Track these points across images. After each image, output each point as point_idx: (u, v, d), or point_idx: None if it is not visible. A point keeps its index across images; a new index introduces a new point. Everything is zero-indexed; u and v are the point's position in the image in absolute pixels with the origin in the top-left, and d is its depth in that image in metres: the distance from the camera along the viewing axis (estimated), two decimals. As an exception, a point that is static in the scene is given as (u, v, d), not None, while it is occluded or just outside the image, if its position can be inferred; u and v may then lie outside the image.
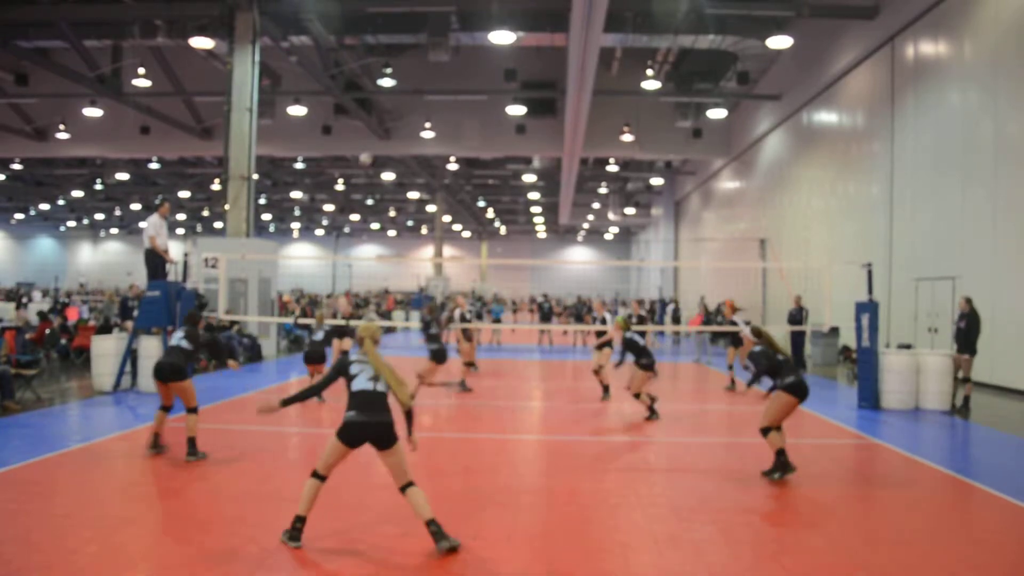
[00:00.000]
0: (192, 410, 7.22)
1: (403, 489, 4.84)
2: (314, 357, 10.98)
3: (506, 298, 44.00)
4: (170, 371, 7.18)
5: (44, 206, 52.12)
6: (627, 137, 26.25)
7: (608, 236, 61.16)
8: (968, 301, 11.04)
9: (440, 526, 4.78)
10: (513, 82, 23.16)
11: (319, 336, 11.04)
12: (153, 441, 7.32)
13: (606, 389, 11.65)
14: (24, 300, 26.04)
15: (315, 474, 4.90)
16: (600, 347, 11.64)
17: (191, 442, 7.08)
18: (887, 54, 16.94)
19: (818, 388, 13.76)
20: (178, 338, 7.43)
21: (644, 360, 9.69)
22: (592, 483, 6.65)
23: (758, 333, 7.20)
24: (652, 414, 9.80)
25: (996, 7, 13.28)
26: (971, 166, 13.91)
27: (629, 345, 9.81)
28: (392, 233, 62.74)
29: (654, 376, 9.88)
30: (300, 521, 4.87)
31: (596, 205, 47.99)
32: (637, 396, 9.81)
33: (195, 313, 7.85)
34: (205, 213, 50.85)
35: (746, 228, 28.52)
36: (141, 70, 21.20)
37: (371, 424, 4.77)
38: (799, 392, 6.68)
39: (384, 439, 4.78)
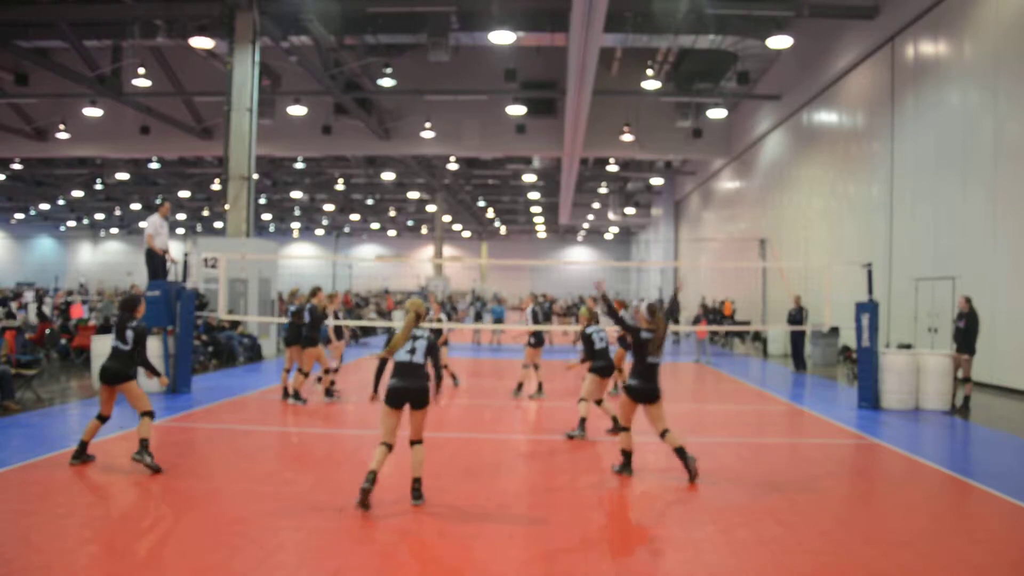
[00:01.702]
0: (146, 414, 6.71)
1: (413, 443, 5.78)
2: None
3: (506, 298, 43.98)
4: (111, 374, 6.71)
5: (44, 206, 52.12)
6: (627, 137, 26.25)
7: (608, 236, 61.17)
8: (968, 301, 11.04)
9: (416, 494, 5.73)
10: (513, 82, 23.14)
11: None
12: (78, 450, 6.81)
13: (519, 386, 11.72)
14: (17, 307, 25.74)
15: (383, 443, 5.71)
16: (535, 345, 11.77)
17: (143, 443, 6.60)
18: (887, 54, 16.94)
19: (818, 388, 13.78)
20: (114, 337, 6.83)
21: (597, 363, 8.44)
22: (592, 483, 6.65)
23: (653, 312, 6.74)
24: (580, 430, 8.46)
25: (996, 7, 13.28)
26: (971, 166, 13.91)
27: (585, 341, 8.52)
28: (392, 233, 62.74)
29: (606, 382, 8.58)
30: (372, 474, 5.60)
31: (596, 205, 47.98)
32: (581, 400, 8.55)
33: (131, 298, 7.06)
34: (205, 213, 50.85)
35: (746, 228, 28.52)
36: (141, 70, 21.19)
37: (409, 389, 5.69)
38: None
39: (419, 401, 5.73)
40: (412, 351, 5.81)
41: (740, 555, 4.86)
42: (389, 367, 5.87)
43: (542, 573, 4.54)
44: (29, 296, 29.90)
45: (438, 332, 12.62)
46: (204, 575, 4.41)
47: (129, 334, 6.76)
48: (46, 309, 20.58)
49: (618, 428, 7.76)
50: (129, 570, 4.48)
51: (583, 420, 8.41)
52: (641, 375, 6.61)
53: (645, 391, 6.60)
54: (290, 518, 5.50)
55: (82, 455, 6.82)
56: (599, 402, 8.59)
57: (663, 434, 6.64)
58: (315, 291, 10.97)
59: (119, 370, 6.69)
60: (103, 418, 6.84)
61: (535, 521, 5.57)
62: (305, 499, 5.97)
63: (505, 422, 9.92)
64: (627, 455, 6.84)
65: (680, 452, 6.60)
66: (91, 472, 6.68)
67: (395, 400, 5.71)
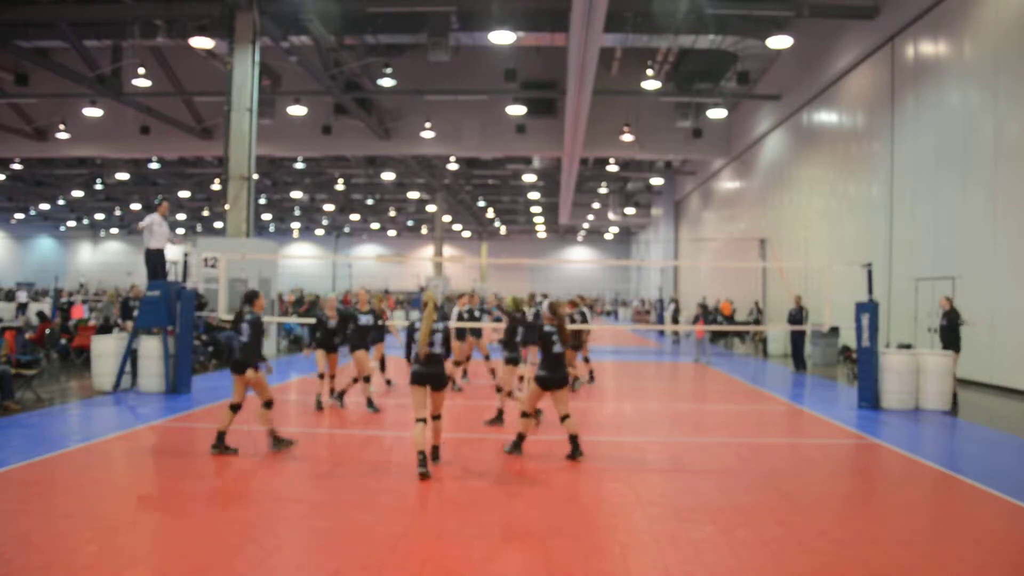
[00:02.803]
0: (233, 407, 7.30)
1: (434, 418, 6.91)
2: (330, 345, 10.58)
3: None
4: (235, 364, 7.35)
5: (44, 206, 52.09)
6: (627, 137, 26.24)
7: (608, 236, 61.15)
8: (948, 300, 11.32)
9: (435, 456, 6.92)
10: (513, 82, 23.14)
11: (332, 325, 10.67)
12: (217, 440, 7.30)
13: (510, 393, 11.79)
14: (23, 302, 25.93)
15: (418, 419, 6.68)
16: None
17: (219, 435, 7.25)
18: (887, 54, 16.94)
19: (818, 388, 13.78)
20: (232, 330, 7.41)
21: (512, 354, 9.15)
22: (592, 483, 6.65)
23: (554, 310, 7.54)
24: (498, 418, 9.15)
25: (996, 7, 13.28)
26: (971, 166, 13.91)
27: (512, 331, 8.98)
28: (392, 233, 62.72)
29: (516, 371, 9.20)
30: (422, 455, 6.52)
31: (596, 205, 47.95)
32: (509, 394, 9.16)
33: (251, 292, 7.65)
34: (205, 213, 50.83)
35: (746, 228, 28.52)
36: (141, 70, 21.18)
37: (429, 373, 6.77)
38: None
39: (438, 384, 6.85)
40: (431, 343, 6.79)
41: (740, 555, 4.86)
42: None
43: (542, 574, 4.54)
44: (22, 296, 29.99)
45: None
46: (204, 575, 4.41)
47: (244, 326, 7.32)
48: (45, 308, 20.61)
49: (501, 418, 8.51)
50: (129, 570, 4.48)
51: (529, 415, 8.60)
52: (551, 366, 7.37)
53: (555, 379, 7.36)
54: (290, 518, 5.51)
55: (221, 445, 7.24)
56: (509, 393, 9.17)
57: (563, 419, 7.37)
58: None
59: (239, 360, 7.28)
60: (233, 407, 7.32)
61: (534, 521, 5.57)
62: (305, 499, 5.97)
63: (504, 422, 9.91)
64: (521, 438, 7.49)
65: (573, 439, 7.36)
66: (91, 472, 6.69)
67: (419, 381, 6.78)
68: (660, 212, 45.06)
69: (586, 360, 13.46)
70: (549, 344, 7.39)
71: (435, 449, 7.01)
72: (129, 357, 11.54)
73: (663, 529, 5.36)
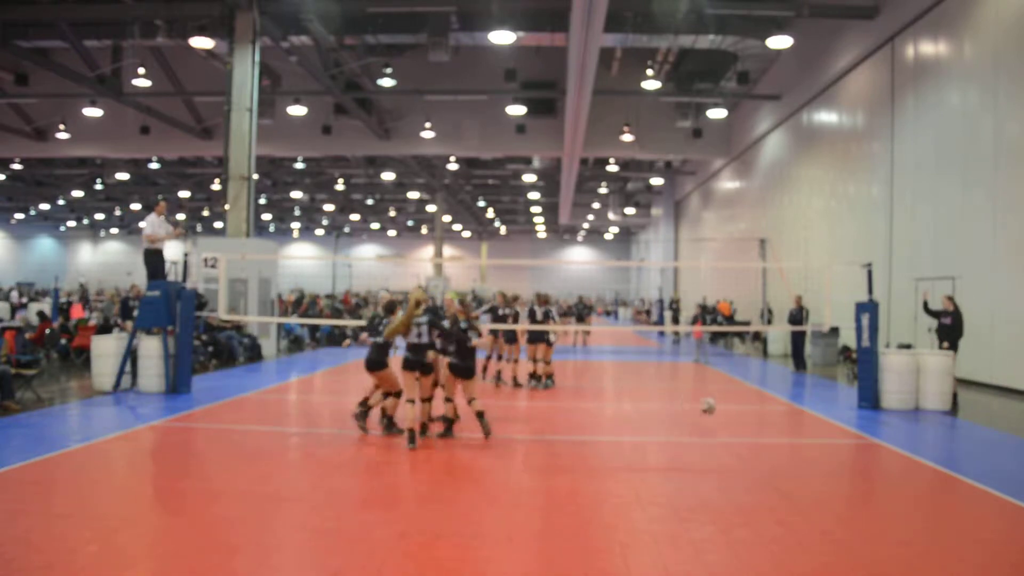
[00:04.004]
0: (392, 394, 8.34)
1: (423, 400, 7.98)
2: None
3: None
4: (371, 363, 8.19)
5: (44, 206, 52.04)
6: (627, 137, 26.21)
7: (608, 236, 61.12)
8: (951, 299, 11.32)
9: (423, 431, 7.95)
10: (513, 82, 23.12)
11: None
12: (386, 422, 8.38)
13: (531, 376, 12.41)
14: (23, 301, 25.88)
15: (408, 400, 7.75)
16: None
17: (383, 411, 8.38)
18: (887, 54, 16.93)
19: (818, 388, 13.79)
20: (370, 334, 8.31)
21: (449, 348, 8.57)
22: (592, 483, 6.64)
23: (463, 303, 8.46)
24: (447, 427, 8.53)
25: (996, 7, 13.27)
26: (971, 166, 13.91)
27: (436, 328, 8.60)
28: (392, 233, 62.69)
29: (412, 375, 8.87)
30: (411, 432, 7.63)
31: (596, 205, 47.93)
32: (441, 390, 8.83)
33: (391, 303, 8.53)
34: (205, 213, 50.81)
35: (746, 228, 28.51)
36: (141, 70, 21.16)
37: (418, 361, 7.79)
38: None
39: (426, 370, 7.89)
40: (419, 335, 7.79)
41: (740, 555, 4.85)
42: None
43: (542, 574, 4.54)
44: (14, 296, 29.95)
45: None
46: (204, 575, 4.41)
47: (382, 330, 8.21)
48: (45, 308, 20.61)
49: (449, 424, 8.42)
50: (129, 570, 4.48)
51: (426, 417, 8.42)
52: (462, 356, 8.07)
53: (466, 368, 8.08)
54: (290, 518, 5.50)
55: (390, 426, 8.37)
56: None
57: (470, 401, 8.13)
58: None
59: (376, 360, 8.17)
60: (393, 394, 8.38)
61: (534, 521, 5.57)
62: (305, 499, 5.97)
63: (504, 421, 9.91)
64: (449, 421, 8.22)
65: (480, 415, 8.00)
66: (91, 472, 6.69)
67: (409, 367, 7.77)
68: (660, 212, 45.04)
69: (546, 362, 13.00)
70: (465, 337, 8.05)
71: (423, 426, 8.03)
72: (129, 357, 11.54)
73: (663, 529, 5.36)
